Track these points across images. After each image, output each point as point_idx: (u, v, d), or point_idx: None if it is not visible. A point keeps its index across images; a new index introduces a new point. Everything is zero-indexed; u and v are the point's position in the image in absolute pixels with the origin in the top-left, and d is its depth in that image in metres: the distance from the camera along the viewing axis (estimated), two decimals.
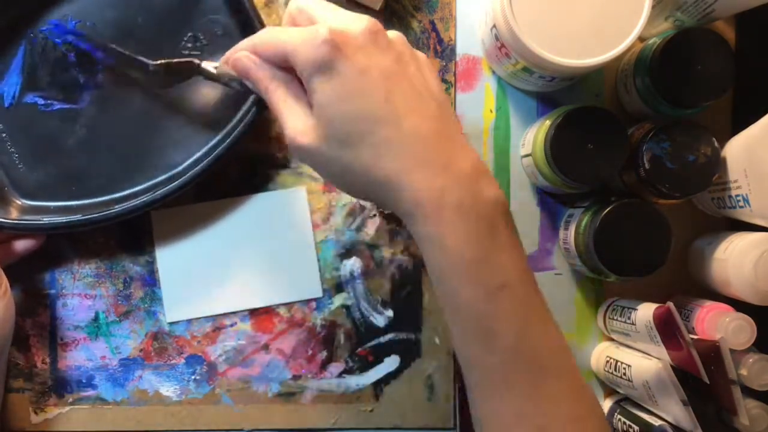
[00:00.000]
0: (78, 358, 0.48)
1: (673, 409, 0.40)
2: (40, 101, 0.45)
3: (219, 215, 0.48)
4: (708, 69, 0.42)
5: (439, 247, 0.33)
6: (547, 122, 0.44)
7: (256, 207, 0.48)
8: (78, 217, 0.44)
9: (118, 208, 0.44)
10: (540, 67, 0.42)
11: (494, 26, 0.43)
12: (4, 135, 0.45)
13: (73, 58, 0.45)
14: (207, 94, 0.46)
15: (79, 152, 0.46)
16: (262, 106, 0.43)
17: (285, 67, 0.36)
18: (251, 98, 0.44)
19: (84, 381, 0.48)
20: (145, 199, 0.44)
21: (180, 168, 0.45)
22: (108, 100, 0.46)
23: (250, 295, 0.48)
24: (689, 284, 0.48)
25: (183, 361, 0.48)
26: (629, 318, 0.44)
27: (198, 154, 0.45)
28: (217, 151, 0.44)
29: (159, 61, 0.43)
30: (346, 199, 0.48)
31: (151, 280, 0.48)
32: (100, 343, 0.48)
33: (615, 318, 0.46)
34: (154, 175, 0.46)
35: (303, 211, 0.48)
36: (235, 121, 0.45)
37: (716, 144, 0.42)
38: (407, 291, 0.49)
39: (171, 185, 0.44)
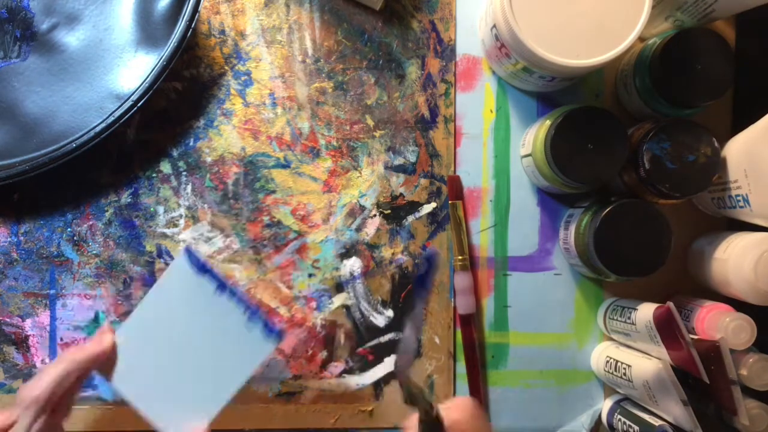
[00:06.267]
0: None
1: (673, 409, 0.40)
2: None
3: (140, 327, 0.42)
4: (708, 69, 0.42)
5: None
6: (547, 122, 0.44)
7: (160, 303, 0.41)
8: (45, 158, 0.44)
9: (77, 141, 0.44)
10: (540, 67, 0.42)
11: (494, 26, 0.43)
12: None
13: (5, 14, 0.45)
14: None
15: (30, 104, 0.46)
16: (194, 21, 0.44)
17: None
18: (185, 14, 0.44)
19: None
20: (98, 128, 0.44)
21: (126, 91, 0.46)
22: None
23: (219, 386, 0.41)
24: (689, 284, 0.48)
25: None
26: (629, 318, 0.44)
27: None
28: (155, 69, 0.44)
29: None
30: (346, 199, 0.48)
31: (151, 280, 0.48)
32: None
33: (615, 318, 0.46)
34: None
35: (192, 275, 0.41)
36: (171, 39, 0.44)
37: (716, 144, 0.42)
38: (407, 291, 0.49)
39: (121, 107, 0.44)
